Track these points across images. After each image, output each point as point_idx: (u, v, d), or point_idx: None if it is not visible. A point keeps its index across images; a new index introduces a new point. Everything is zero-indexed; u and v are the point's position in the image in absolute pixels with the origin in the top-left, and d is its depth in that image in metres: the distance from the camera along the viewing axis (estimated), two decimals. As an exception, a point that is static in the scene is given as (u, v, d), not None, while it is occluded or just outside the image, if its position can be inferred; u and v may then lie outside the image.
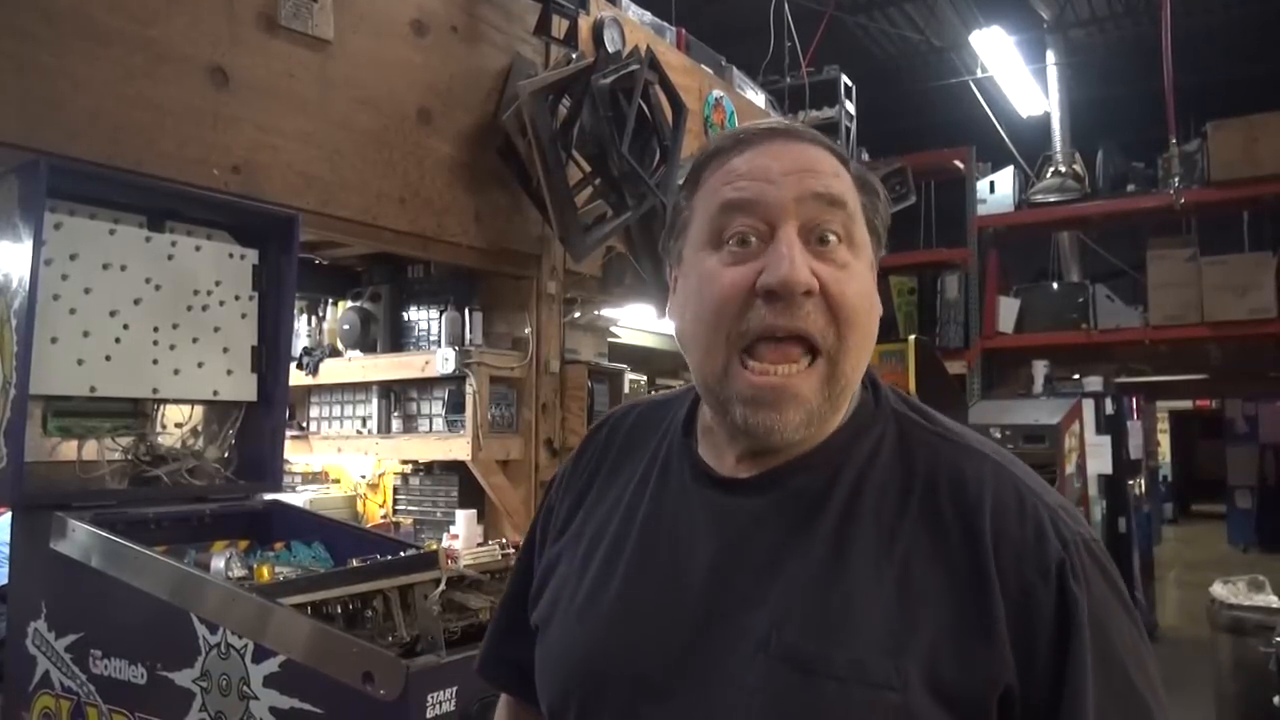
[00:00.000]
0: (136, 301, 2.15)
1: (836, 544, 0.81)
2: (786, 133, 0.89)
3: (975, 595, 0.76)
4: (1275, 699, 3.51)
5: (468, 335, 3.29)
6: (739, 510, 0.86)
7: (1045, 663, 0.75)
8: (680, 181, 0.95)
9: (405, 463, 3.50)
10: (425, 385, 3.34)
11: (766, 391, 0.82)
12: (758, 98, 5.33)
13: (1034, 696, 0.75)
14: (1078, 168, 8.04)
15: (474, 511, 3.17)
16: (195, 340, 2.25)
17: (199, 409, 2.33)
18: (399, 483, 3.53)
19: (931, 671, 0.75)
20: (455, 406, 3.23)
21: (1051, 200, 7.90)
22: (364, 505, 3.59)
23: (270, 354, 2.38)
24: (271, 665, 1.58)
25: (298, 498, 3.20)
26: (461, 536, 3.00)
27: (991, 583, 0.76)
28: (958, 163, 7.88)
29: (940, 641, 0.76)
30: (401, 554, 2.04)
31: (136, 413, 2.20)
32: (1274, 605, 4.13)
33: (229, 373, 2.32)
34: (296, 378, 3.19)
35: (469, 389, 3.16)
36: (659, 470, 0.95)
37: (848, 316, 0.82)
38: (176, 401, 2.27)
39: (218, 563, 1.95)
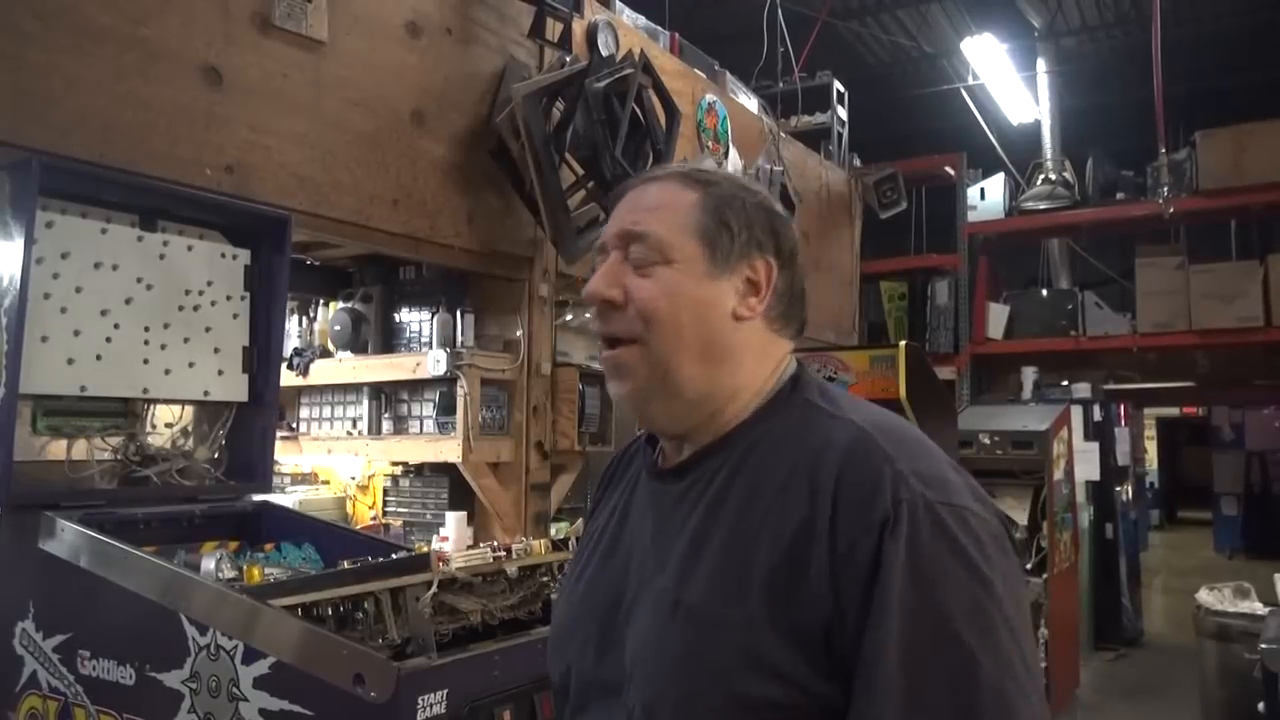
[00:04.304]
0: (128, 301, 2.14)
1: (713, 512, 0.97)
2: (648, 179, 1.10)
3: (809, 544, 0.88)
4: (1260, 705, 3.53)
5: (459, 337, 3.29)
6: (665, 495, 1.04)
7: (856, 606, 0.85)
8: None
9: (395, 464, 3.49)
10: (416, 387, 3.34)
11: (607, 364, 1.05)
12: (750, 102, 5.34)
13: (847, 632, 0.86)
14: (1068, 175, 8.09)
15: (464, 514, 3.16)
16: (186, 340, 2.24)
17: (189, 409, 2.33)
18: (389, 484, 3.53)
19: (770, 610, 0.88)
20: (446, 408, 3.22)
21: (1041, 207, 7.95)
22: (354, 507, 3.58)
23: (261, 354, 2.37)
24: (261, 667, 1.58)
25: (287, 499, 3.19)
26: (451, 539, 2.99)
27: (823, 534, 0.88)
28: (949, 169, 7.90)
29: (778, 584, 0.88)
30: (394, 556, 2.04)
31: (127, 412, 2.19)
32: (1259, 612, 4.15)
33: (220, 373, 2.31)
34: (287, 378, 3.18)
35: (460, 391, 3.16)
36: (637, 474, 1.14)
37: (646, 313, 1.01)
38: (167, 401, 2.26)
39: (207, 563, 1.94)
